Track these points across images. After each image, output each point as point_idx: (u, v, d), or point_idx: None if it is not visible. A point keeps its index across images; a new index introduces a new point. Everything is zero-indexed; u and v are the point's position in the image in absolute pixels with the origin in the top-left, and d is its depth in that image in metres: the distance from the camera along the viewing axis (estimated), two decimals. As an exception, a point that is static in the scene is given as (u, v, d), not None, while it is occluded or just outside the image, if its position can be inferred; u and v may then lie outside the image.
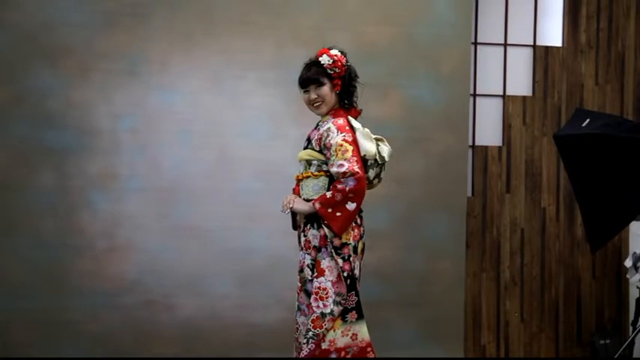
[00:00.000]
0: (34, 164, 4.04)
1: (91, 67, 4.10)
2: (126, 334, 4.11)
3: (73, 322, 4.06)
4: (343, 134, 3.16)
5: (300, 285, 3.28)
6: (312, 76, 3.24)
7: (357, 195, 3.11)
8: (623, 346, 4.07)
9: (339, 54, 3.26)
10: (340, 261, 3.13)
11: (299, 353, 3.19)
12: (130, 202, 4.13)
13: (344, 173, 3.09)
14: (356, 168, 3.10)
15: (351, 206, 3.11)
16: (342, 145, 3.13)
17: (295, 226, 3.35)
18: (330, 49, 3.27)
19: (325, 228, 3.12)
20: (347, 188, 3.09)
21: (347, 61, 3.28)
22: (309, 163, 3.25)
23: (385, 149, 3.31)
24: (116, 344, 4.09)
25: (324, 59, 3.23)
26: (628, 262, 4.34)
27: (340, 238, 3.13)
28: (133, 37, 4.13)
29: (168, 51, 4.16)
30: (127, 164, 4.13)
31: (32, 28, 4.03)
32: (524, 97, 4.84)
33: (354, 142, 3.17)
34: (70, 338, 4.04)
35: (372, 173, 3.27)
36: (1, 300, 4.00)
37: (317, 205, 3.11)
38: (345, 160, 3.11)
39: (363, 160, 3.20)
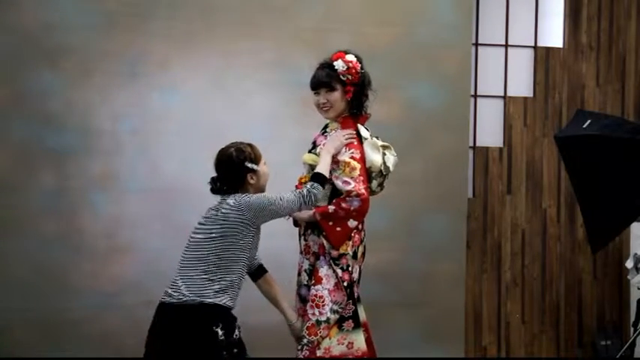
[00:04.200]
0: (35, 165, 4.04)
1: (91, 67, 4.10)
2: (126, 334, 4.11)
3: (73, 322, 4.05)
4: (351, 151, 3.13)
5: (297, 288, 3.28)
6: (324, 79, 3.17)
7: (359, 214, 3.10)
8: (624, 347, 4.06)
9: (354, 60, 3.17)
10: (339, 271, 3.11)
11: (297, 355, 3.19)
12: (130, 202, 4.13)
13: (349, 192, 3.06)
14: (362, 189, 3.07)
15: (352, 223, 3.10)
16: (349, 163, 3.10)
17: (297, 223, 3.33)
18: (346, 53, 3.18)
19: (324, 239, 3.11)
20: (351, 208, 3.07)
21: (362, 68, 3.19)
22: (312, 167, 3.22)
23: (391, 159, 3.26)
24: (117, 345, 4.08)
25: (339, 65, 3.15)
26: (629, 263, 4.34)
27: (338, 250, 3.12)
28: (133, 38, 4.13)
29: (168, 52, 4.16)
30: (128, 165, 4.12)
31: (33, 29, 4.03)
32: (525, 98, 4.84)
33: (362, 160, 3.14)
34: (70, 338, 4.03)
35: (375, 183, 3.23)
36: (2, 300, 3.99)
37: (318, 216, 3.10)
38: (351, 178, 3.08)
39: (368, 172, 3.17)
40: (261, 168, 3.11)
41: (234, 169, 3.05)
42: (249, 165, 3.05)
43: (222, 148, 3.12)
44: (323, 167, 3.07)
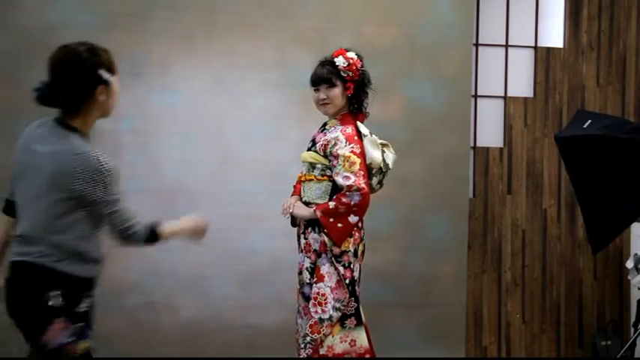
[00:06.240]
0: (36, 165, 4.03)
1: (92, 68, 4.10)
2: (127, 335, 4.11)
3: (74, 323, 4.05)
4: (351, 145, 3.14)
5: (298, 287, 3.27)
6: (324, 75, 3.20)
7: (360, 209, 3.10)
8: (625, 348, 4.06)
9: (355, 57, 3.22)
10: (341, 269, 3.12)
11: (300, 354, 3.19)
12: (130, 203, 4.11)
13: (349, 186, 3.07)
14: (362, 183, 3.08)
15: (353, 219, 3.10)
16: (349, 157, 3.11)
17: (295, 223, 3.34)
18: (347, 50, 3.23)
19: (325, 236, 3.11)
20: (352, 202, 3.08)
21: (362, 66, 3.24)
22: (312, 165, 3.23)
23: (390, 156, 3.29)
24: (117, 345, 4.08)
25: (340, 61, 3.19)
26: (629, 264, 4.33)
27: (339, 247, 3.12)
28: (134, 39, 4.13)
29: (169, 52, 4.16)
30: (128, 165, 4.12)
31: (34, 30, 4.03)
32: (525, 99, 4.84)
33: (362, 155, 3.15)
34: (71, 339, 4.03)
35: (374, 180, 3.25)
36: (3, 301, 3.98)
37: (318, 214, 3.10)
38: (351, 173, 3.09)
39: (368, 169, 3.18)
40: (115, 83, 2.37)
41: (83, 74, 2.26)
42: (105, 74, 2.29)
43: (68, 44, 2.32)
44: (167, 230, 2.60)
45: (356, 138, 3.17)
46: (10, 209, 2.49)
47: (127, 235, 2.43)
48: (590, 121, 3.77)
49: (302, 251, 3.25)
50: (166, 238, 2.54)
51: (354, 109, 3.26)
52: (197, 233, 2.72)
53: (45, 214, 2.29)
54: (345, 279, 3.12)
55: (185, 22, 4.17)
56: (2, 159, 4.02)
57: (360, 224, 3.21)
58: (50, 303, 2.27)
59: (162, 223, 2.52)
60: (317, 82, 3.22)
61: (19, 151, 2.41)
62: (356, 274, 3.19)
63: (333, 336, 3.12)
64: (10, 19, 4.02)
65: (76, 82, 2.28)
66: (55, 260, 2.31)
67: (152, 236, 2.48)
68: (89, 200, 2.28)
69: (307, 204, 3.22)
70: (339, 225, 3.08)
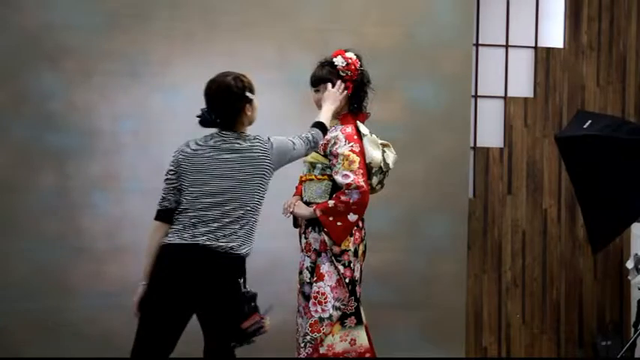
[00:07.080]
0: (36, 165, 4.04)
1: (92, 68, 4.10)
2: (127, 335, 4.08)
3: (74, 322, 4.05)
4: (351, 144, 3.15)
5: (299, 287, 3.28)
6: (323, 76, 3.23)
7: (359, 207, 3.11)
8: (625, 348, 4.06)
9: (354, 57, 3.25)
10: (341, 268, 3.12)
11: (299, 354, 3.19)
12: (131, 203, 4.13)
13: (348, 185, 3.08)
14: (361, 181, 3.09)
15: (352, 217, 3.11)
16: (348, 156, 3.12)
17: (296, 224, 3.35)
18: (345, 51, 3.26)
19: (325, 235, 3.12)
20: (351, 201, 3.08)
21: (361, 66, 3.27)
22: (312, 165, 3.24)
23: (390, 156, 3.30)
24: (117, 345, 4.07)
25: (338, 61, 3.22)
26: (629, 264, 4.33)
27: (339, 246, 3.12)
28: (134, 39, 4.13)
29: (169, 52, 4.16)
30: (129, 165, 4.12)
31: (34, 30, 4.03)
32: (525, 99, 4.84)
33: (361, 153, 3.16)
34: (71, 339, 4.03)
35: (375, 180, 3.26)
36: (3, 301, 3.99)
37: (318, 212, 3.11)
38: (350, 171, 3.10)
39: (368, 168, 3.19)
40: (256, 98, 2.92)
41: (234, 99, 2.84)
42: (249, 95, 2.87)
43: (215, 78, 2.89)
44: (324, 117, 3.12)
45: (355, 137, 3.18)
46: (167, 216, 2.96)
47: (313, 145, 3.01)
48: (590, 121, 3.77)
49: (303, 251, 3.25)
50: (327, 123, 3.13)
51: (354, 109, 3.27)
52: (336, 100, 3.20)
53: (242, 197, 2.82)
54: (345, 278, 3.12)
55: (185, 22, 4.17)
56: (1, 158, 4.04)
57: (360, 224, 3.22)
58: (242, 290, 2.78)
59: (318, 118, 3.13)
60: (317, 82, 3.24)
61: (189, 163, 2.93)
62: (356, 273, 3.19)
63: (333, 335, 3.13)
64: (10, 19, 4.02)
65: (230, 105, 2.84)
66: (238, 245, 2.77)
67: (323, 130, 3.09)
68: (283, 160, 2.93)
69: (308, 204, 3.23)
70: (339, 223, 3.09)
